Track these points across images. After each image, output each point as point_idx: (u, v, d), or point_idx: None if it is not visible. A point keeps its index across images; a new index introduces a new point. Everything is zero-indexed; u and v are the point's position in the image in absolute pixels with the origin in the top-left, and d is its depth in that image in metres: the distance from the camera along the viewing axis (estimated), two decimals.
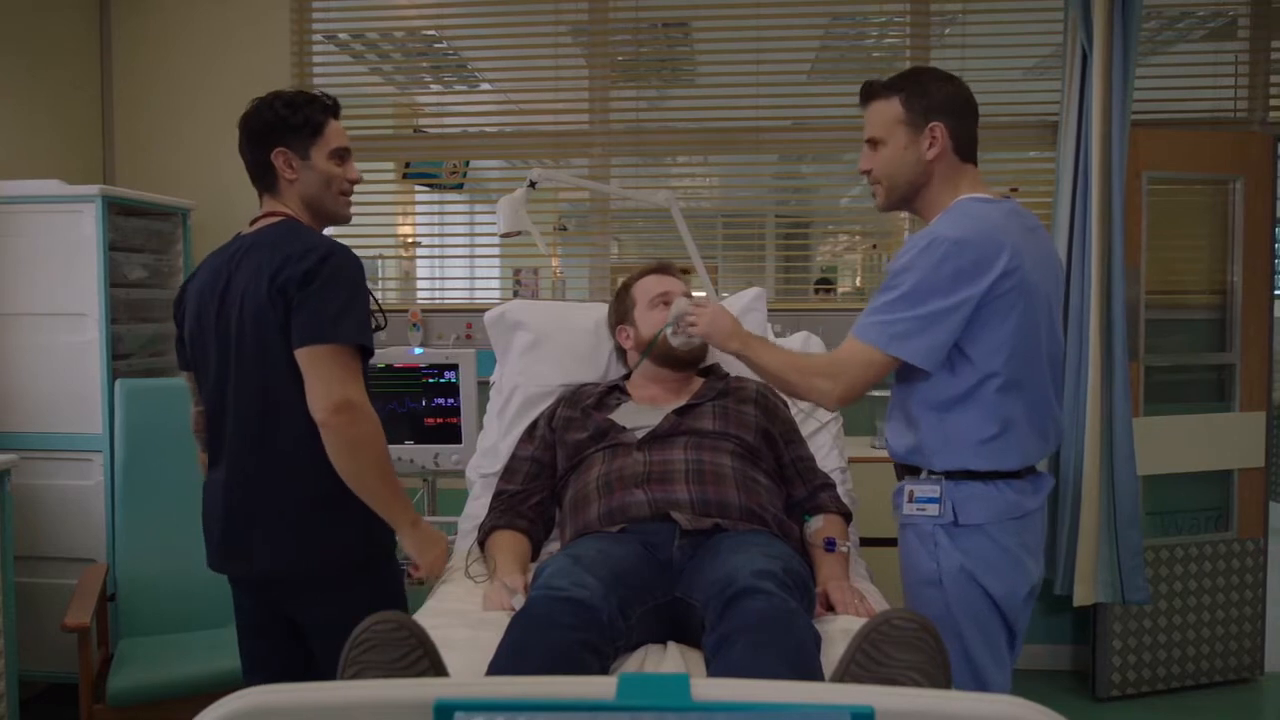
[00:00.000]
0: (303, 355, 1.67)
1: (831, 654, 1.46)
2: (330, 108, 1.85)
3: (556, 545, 2.08)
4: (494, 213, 2.89)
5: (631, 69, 3.71)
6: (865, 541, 2.32)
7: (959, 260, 1.63)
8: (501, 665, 1.41)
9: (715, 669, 1.46)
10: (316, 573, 1.77)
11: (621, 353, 2.36)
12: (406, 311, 3.43)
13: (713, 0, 3.53)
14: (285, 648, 1.87)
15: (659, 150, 3.77)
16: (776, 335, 2.63)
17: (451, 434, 2.77)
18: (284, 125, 1.80)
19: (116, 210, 3.00)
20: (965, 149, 1.76)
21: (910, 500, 1.74)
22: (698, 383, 2.25)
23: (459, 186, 4.12)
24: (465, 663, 1.46)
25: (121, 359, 3.03)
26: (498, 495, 2.16)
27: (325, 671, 1.73)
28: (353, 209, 1.92)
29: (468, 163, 4.05)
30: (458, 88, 4.01)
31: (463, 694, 0.78)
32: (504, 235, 2.85)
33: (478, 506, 2.29)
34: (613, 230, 3.98)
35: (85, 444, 2.90)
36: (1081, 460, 3.02)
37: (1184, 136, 3.26)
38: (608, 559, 1.69)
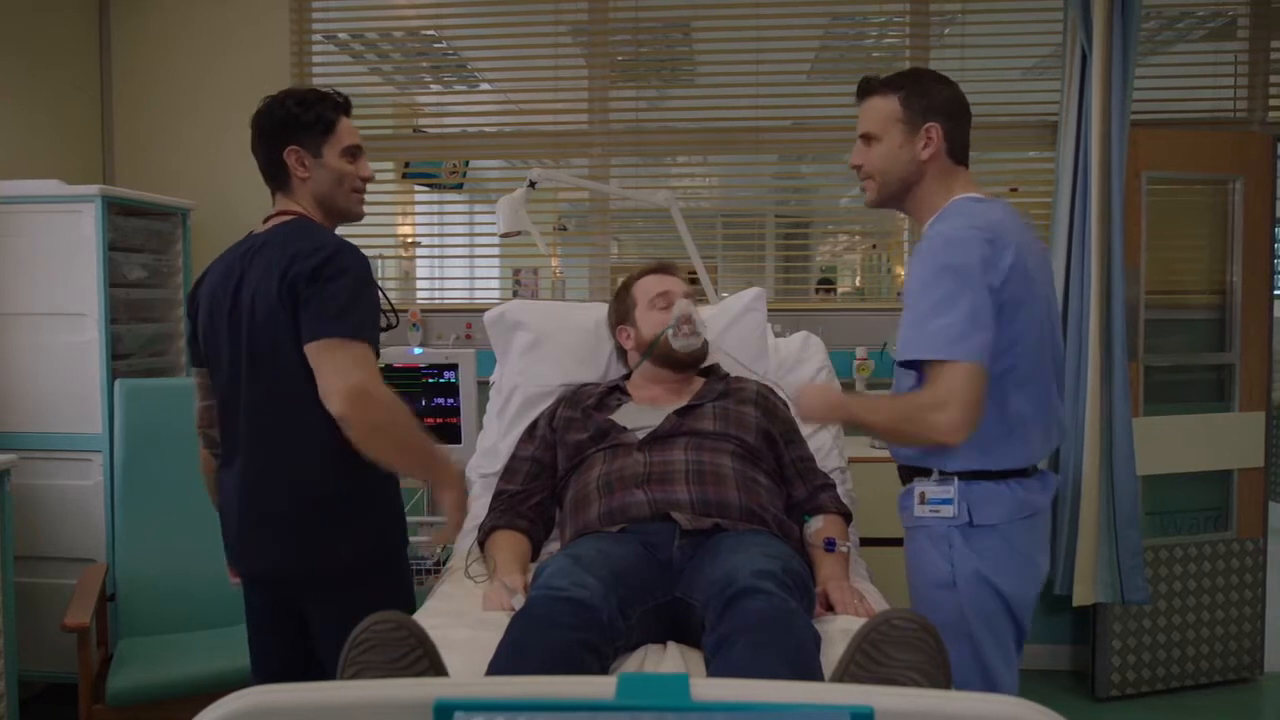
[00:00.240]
0: (312, 350, 1.66)
1: (831, 654, 1.46)
2: (342, 105, 1.85)
3: (556, 545, 2.09)
4: (494, 213, 2.90)
5: (631, 69, 3.71)
6: (865, 541, 2.32)
7: (982, 250, 1.64)
8: (501, 665, 1.41)
9: (715, 669, 1.46)
10: (328, 572, 1.77)
11: (622, 352, 2.36)
12: (406, 311, 3.43)
13: (713, 0, 3.53)
14: (290, 647, 1.87)
15: (659, 150, 3.77)
16: (777, 335, 2.64)
17: (451, 434, 2.78)
18: (296, 123, 1.80)
19: (116, 210, 3.00)
20: (958, 151, 1.78)
21: (922, 502, 1.73)
22: (698, 383, 2.25)
23: (459, 186, 4.12)
24: (465, 663, 1.46)
25: (121, 359, 3.03)
26: (498, 495, 2.16)
27: (327, 672, 1.73)
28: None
29: (467, 163, 4.05)
30: (457, 88, 4.01)
31: (462, 694, 0.78)
32: (504, 235, 2.85)
33: (477, 506, 2.29)
34: (612, 230, 3.98)
35: (85, 444, 2.90)
36: (1081, 460, 3.02)
37: (1184, 136, 3.26)
38: (608, 559, 1.69)
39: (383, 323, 1.80)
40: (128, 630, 2.61)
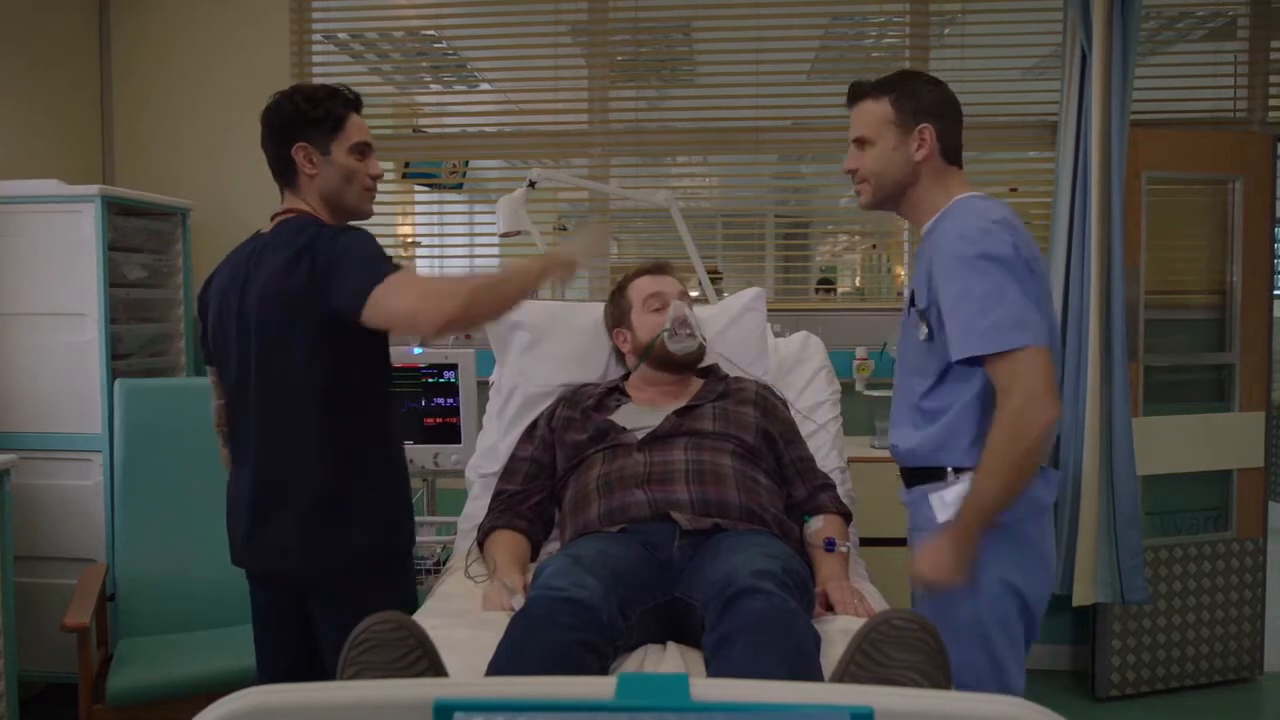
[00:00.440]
0: (368, 313, 1.62)
1: (831, 654, 1.46)
2: (352, 102, 1.84)
3: (556, 545, 2.08)
4: (494, 213, 2.90)
5: (631, 69, 3.71)
6: (865, 541, 2.32)
7: (1013, 237, 1.65)
8: (501, 665, 1.41)
9: (715, 669, 1.46)
10: (336, 568, 1.77)
11: (620, 354, 2.35)
12: None
13: (713, 0, 3.53)
14: (297, 647, 1.86)
15: (659, 150, 3.77)
16: (776, 335, 2.64)
17: (451, 434, 2.77)
18: (304, 119, 1.79)
19: (116, 210, 3.00)
20: (951, 152, 1.78)
21: (943, 505, 1.71)
22: (697, 384, 2.25)
23: (458, 186, 4.12)
24: (465, 663, 1.46)
25: (121, 359, 3.03)
26: (497, 495, 2.16)
27: (329, 673, 1.73)
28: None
29: (467, 163, 4.05)
30: (457, 88, 4.01)
31: (462, 694, 0.78)
32: (503, 235, 2.85)
33: (477, 506, 2.29)
34: (612, 230, 3.98)
35: (85, 444, 2.90)
36: (1081, 460, 3.02)
37: (1183, 136, 3.26)
38: (607, 559, 1.69)
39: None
40: (128, 630, 2.61)
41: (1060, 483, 3.02)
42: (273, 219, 1.84)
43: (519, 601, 1.73)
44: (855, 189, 1.85)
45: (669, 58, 3.87)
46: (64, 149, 3.45)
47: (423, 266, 4.12)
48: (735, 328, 2.46)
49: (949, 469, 1.73)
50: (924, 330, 1.73)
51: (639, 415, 2.13)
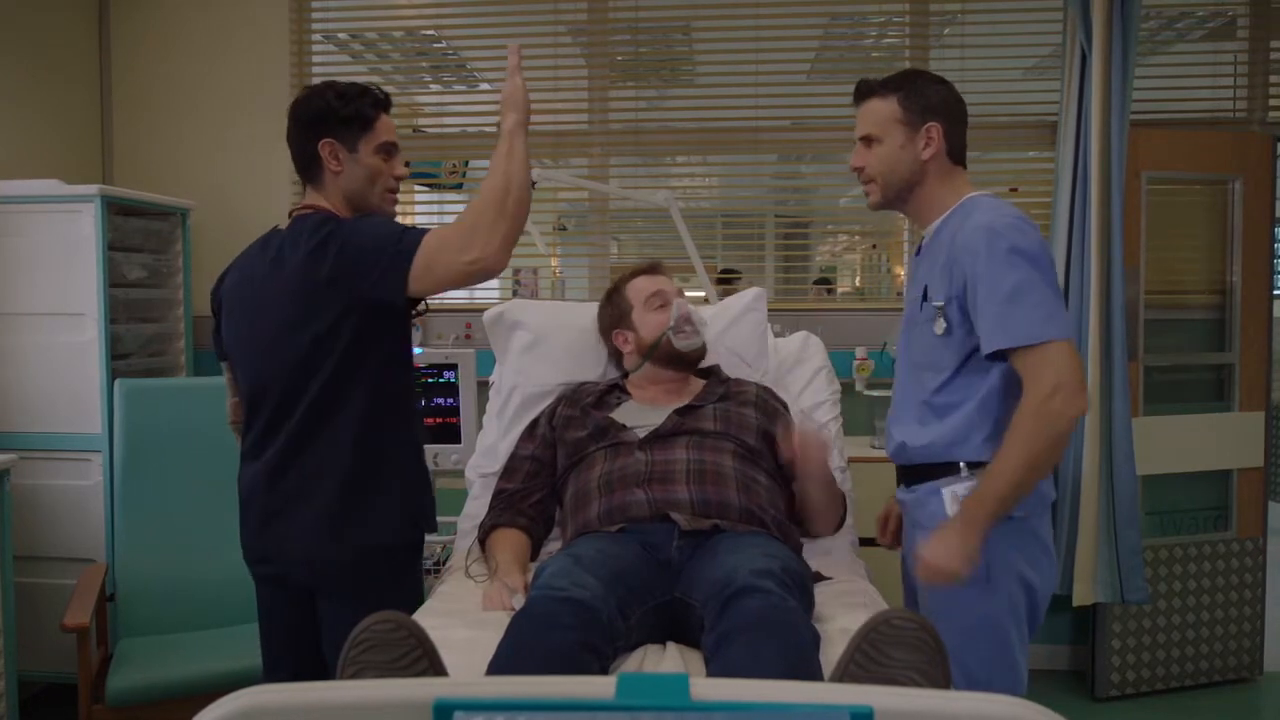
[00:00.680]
0: (413, 282, 1.64)
1: (831, 654, 1.46)
2: (382, 101, 1.83)
3: (557, 544, 2.09)
4: None
5: (631, 69, 3.71)
6: (865, 542, 2.32)
7: (1036, 232, 1.69)
8: (501, 665, 1.41)
9: (714, 668, 1.46)
10: (348, 565, 1.76)
11: (616, 356, 2.34)
12: None
13: (713, 0, 3.53)
14: (304, 647, 1.85)
15: (658, 150, 3.77)
16: (776, 335, 2.64)
17: (451, 434, 2.77)
18: (334, 116, 1.78)
19: (116, 210, 3.00)
20: (956, 151, 1.80)
21: (955, 501, 1.72)
22: (698, 384, 2.25)
23: (458, 186, 4.12)
24: (465, 663, 1.46)
25: (121, 359, 3.03)
26: (498, 494, 2.16)
27: (331, 675, 1.73)
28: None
29: (467, 162, 4.05)
30: (457, 87, 4.01)
31: (462, 694, 0.78)
32: None
33: (477, 506, 2.29)
34: (612, 230, 3.98)
35: (84, 444, 2.90)
36: (1080, 460, 3.02)
37: (1183, 136, 3.26)
38: (607, 559, 1.69)
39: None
40: (127, 630, 2.61)
41: (1058, 484, 3.05)
42: (291, 214, 1.84)
43: (519, 601, 1.73)
44: (863, 189, 1.85)
45: (669, 58, 3.87)
46: (64, 149, 3.45)
47: None
48: (735, 328, 2.46)
49: (962, 464, 1.73)
50: (941, 324, 1.73)
51: (640, 413, 2.14)
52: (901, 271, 3.74)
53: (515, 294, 3.67)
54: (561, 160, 3.77)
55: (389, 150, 1.84)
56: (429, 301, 1.83)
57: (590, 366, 2.40)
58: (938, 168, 1.78)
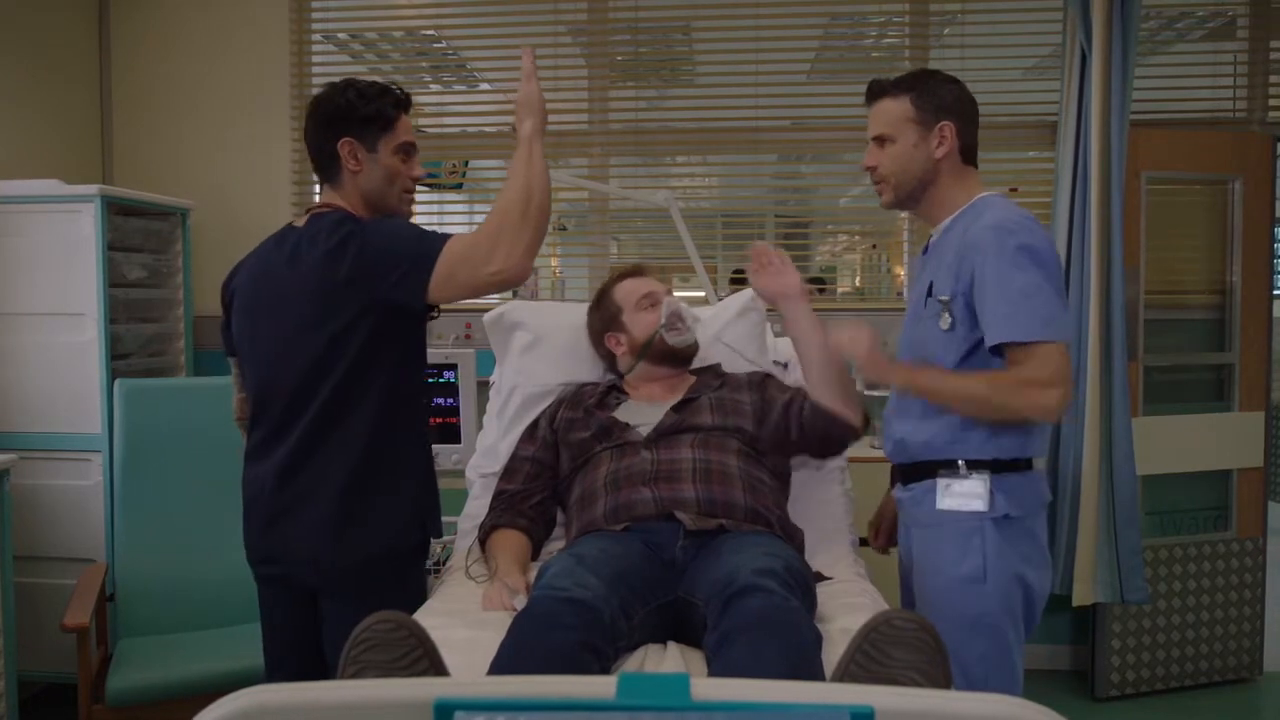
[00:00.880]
0: (434, 290, 1.64)
1: (832, 654, 1.46)
2: (403, 102, 1.82)
3: (560, 544, 2.09)
4: None
5: (631, 69, 3.71)
6: (864, 541, 2.32)
7: (1046, 234, 1.71)
8: (502, 665, 1.41)
9: (715, 667, 1.46)
10: (353, 565, 1.75)
11: (609, 360, 2.34)
12: None
13: (713, 0, 3.53)
14: (306, 647, 1.85)
15: (658, 150, 3.77)
16: (776, 335, 2.64)
17: (451, 434, 2.77)
18: (354, 115, 1.77)
19: (116, 210, 3.00)
20: (968, 151, 1.81)
21: (951, 494, 1.74)
22: (691, 379, 2.26)
23: (458, 186, 4.12)
24: (465, 663, 1.46)
25: (120, 359, 3.03)
26: (498, 495, 2.16)
27: (332, 676, 1.73)
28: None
29: (467, 162, 4.05)
30: (457, 88, 4.01)
31: (463, 693, 0.78)
32: None
33: (477, 506, 2.29)
34: (612, 230, 3.98)
35: (84, 444, 2.90)
36: (1080, 460, 3.02)
37: (1183, 136, 3.26)
38: (610, 559, 1.69)
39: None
40: (127, 630, 2.61)
41: (1058, 484, 3.05)
42: (307, 212, 1.83)
43: (520, 601, 1.73)
44: (875, 188, 1.86)
45: (669, 58, 3.87)
46: (64, 149, 3.45)
47: None
48: (735, 327, 2.46)
49: (961, 462, 1.74)
50: (946, 320, 1.74)
51: (640, 411, 2.15)
52: (901, 271, 3.73)
53: (515, 294, 3.67)
54: (561, 160, 3.77)
55: (408, 151, 1.83)
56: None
57: (590, 366, 2.40)
58: (950, 167, 1.79)
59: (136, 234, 3.12)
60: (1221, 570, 3.30)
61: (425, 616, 1.72)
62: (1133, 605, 3.15)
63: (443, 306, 1.77)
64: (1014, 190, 3.62)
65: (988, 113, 3.37)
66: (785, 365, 2.44)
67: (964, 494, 1.72)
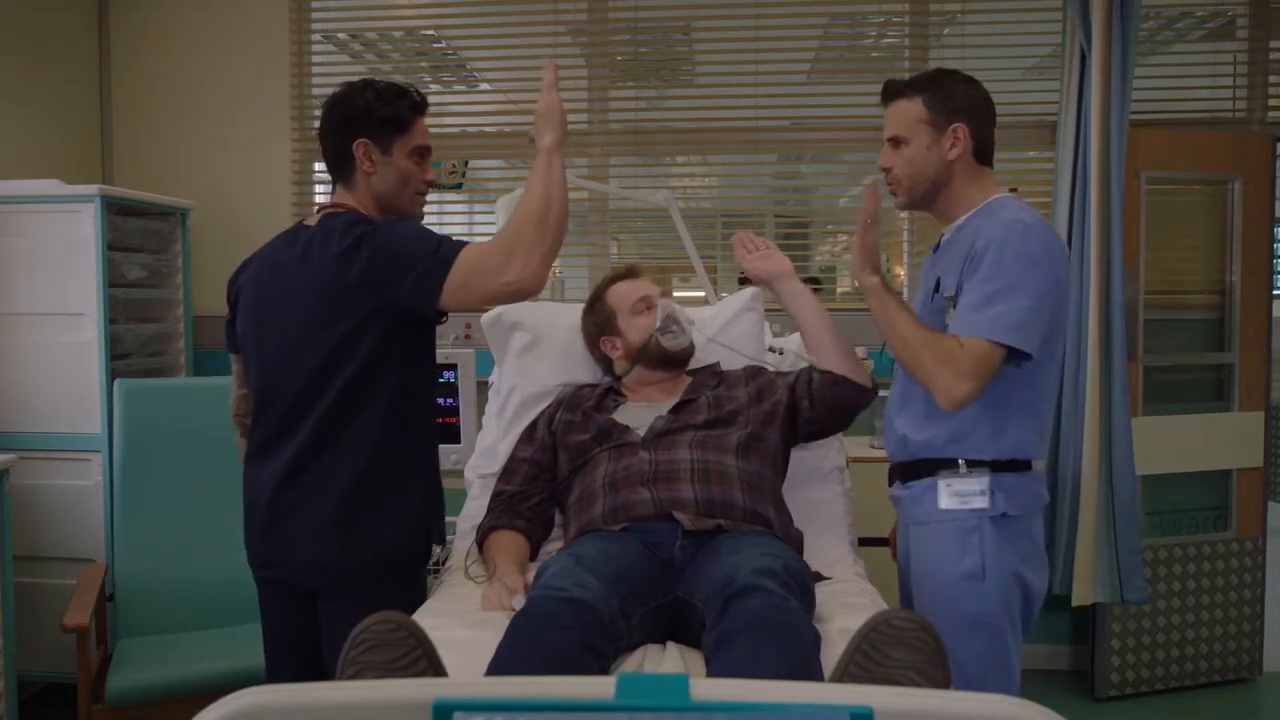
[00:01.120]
0: (447, 297, 1.65)
1: (831, 654, 1.46)
2: (419, 105, 1.82)
3: (558, 544, 2.09)
4: (493, 213, 2.90)
5: (631, 69, 3.71)
6: (864, 541, 2.32)
7: (1055, 240, 1.72)
8: (501, 665, 1.41)
9: (714, 667, 1.46)
10: (356, 567, 1.75)
11: (605, 363, 2.34)
12: None
13: (712, 0, 3.53)
14: (306, 649, 1.84)
15: (658, 150, 3.77)
16: (776, 335, 2.64)
17: (450, 434, 2.77)
18: (371, 116, 1.76)
19: (115, 210, 3.00)
20: (983, 152, 1.81)
21: (951, 493, 1.74)
22: (688, 380, 2.26)
23: (458, 186, 4.11)
24: (464, 663, 1.46)
25: (120, 359, 3.03)
26: (496, 496, 2.16)
27: (330, 677, 1.73)
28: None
29: (467, 163, 4.05)
30: (457, 88, 4.01)
31: (462, 694, 0.78)
32: None
33: (476, 507, 2.29)
34: (612, 230, 3.98)
35: (84, 444, 2.90)
36: (1080, 460, 3.02)
37: (1183, 136, 3.26)
38: (609, 559, 1.69)
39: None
40: (127, 630, 2.61)
41: (1057, 484, 3.05)
42: (318, 211, 1.83)
43: (519, 601, 1.73)
44: (889, 189, 1.86)
45: (669, 58, 3.87)
46: (63, 149, 3.45)
47: None
48: (733, 328, 2.46)
49: (961, 461, 1.74)
50: (952, 316, 1.75)
51: (638, 413, 2.14)
52: (901, 271, 3.73)
53: None
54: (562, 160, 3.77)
55: (422, 154, 1.83)
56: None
57: (589, 367, 2.40)
58: (964, 168, 1.79)
59: (136, 234, 3.12)
60: (1221, 570, 3.30)
61: (424, 617, 1.72)
62: (1132, 605, 3.15)
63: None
64: (1014, 190, 3.62)
65: None
66: (780, 352, 2.44)
67: (964, 493, 1.73)
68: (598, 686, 0.79)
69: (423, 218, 1.89)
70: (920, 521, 1.83)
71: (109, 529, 2.83)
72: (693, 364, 2.30)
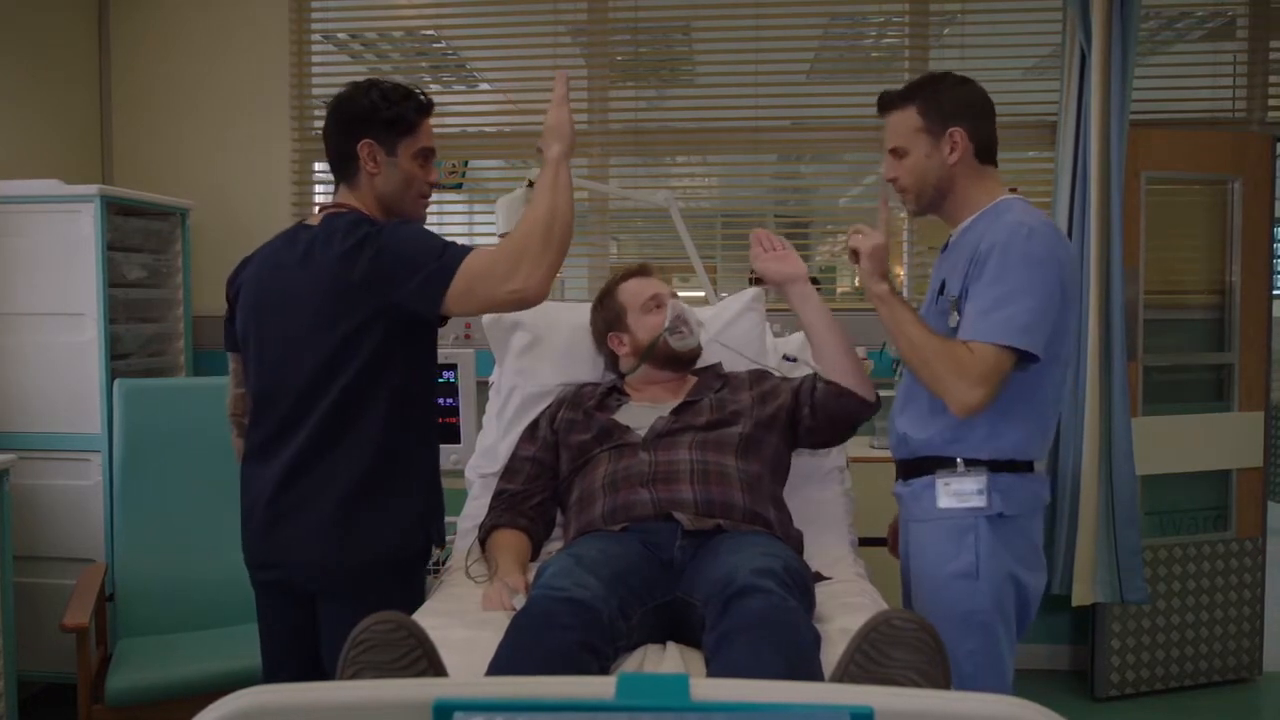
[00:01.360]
0: (450, 302, 1.65)
1: (831, 654, 1.46)
2: (425, 106, 1.81)
3: (558, 544, 2.09)
4: (493, 213, 2.90)
5: (631, 69, 3.71)
6: (864, 541, 2.32)
7: (1062, 242, 1.72)
8: (501, 665, 1.41)
9: (714, 667, 1.46)
10: (356, 568, 1.75)
11: (611, 360, 2.34)
12: None
13: (712, 0, 3.53)
14: (304, 650, 1.84)
15: (658, 150, 3.77)
16: (776, 335, 2.64)
17: (451, 434, 2.77)
18: (376, 117, 1.76)
19: (115, 210, 3.00)
20: (985, 151, 1.81)
21: (949, 493, 1.75)
22: (692, 381, 2.26)
23: (458, 186, 4.11)
24: (464, 663, 1.46)
25: (120, 359, 3.03)
26: (498, 495, 2.16)
27: (333, 675, 1.72)
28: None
29: (467, 163, 4.04)
30: (457, 88, 4.01)
31: (462, 694, 0.78)
32: (503, 235, 2.85)
33: (477, 506, 2.29)
34: (612, 230, 3.98)
35: (84, 444, 2.90)
36: (1080, 460, 3.02)
37: (1183, 137, 3.26)
38: (609, 559, 1.69)
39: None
40: (127, 630, 2.61)
41: (1057, 484, 3.05)
42: (320, 211, 1.82)
43: (520, 601, 1.73)
44: (900, 198, 1.87)
45: (669, 58, 3.87)
46: (63, 149, 3.45)
47: None
48: (735, 328, 2.46)
49: (959, 461, 1.75)
50: (955, 318, 1.75)
51: (640, 414, 2.14)
52: (901, 271, 3.73)
53: None
54: None
55: (427, 156, 1.82)
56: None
57: (589, 366, 2.40)
58: (966, 170, 1.79)
59: (136, 234, 3.12)
60: (1221, 570, 3.30)
61: (424, 617, 1.72)
62: (1132, 605, 3.15)
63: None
64: (1014, 190, 3.62)
65: None
66: (794, 360, 2.43)
67: (961, 492, 1.73)
68: (598, 686, 0.79)
69: (425, 219, 1.89)
70: (919, 519, 1.83)
71: (109, 529, 2.83)
72: (697, 364, 2.30)
